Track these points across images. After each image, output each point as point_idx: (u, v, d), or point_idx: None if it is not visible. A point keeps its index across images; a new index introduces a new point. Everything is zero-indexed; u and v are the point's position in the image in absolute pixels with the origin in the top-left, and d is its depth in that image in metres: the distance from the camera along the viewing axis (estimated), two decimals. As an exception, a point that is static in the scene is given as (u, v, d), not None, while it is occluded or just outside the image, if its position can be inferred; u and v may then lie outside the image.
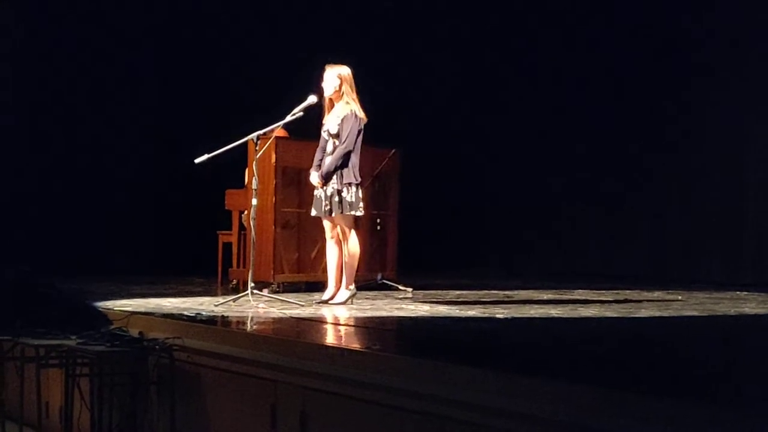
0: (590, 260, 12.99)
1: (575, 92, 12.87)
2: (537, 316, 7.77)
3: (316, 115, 8.31)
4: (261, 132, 8.19)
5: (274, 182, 9.29)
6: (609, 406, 4.27)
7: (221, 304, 7.97)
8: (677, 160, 12.24)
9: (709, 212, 12.00)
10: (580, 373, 5.02)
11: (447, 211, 13.59)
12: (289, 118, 8.18)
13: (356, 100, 8.22)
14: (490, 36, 13.60)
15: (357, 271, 8.44)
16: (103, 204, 12.44)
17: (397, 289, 9.70)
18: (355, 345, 6.21)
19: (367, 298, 8.83)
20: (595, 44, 12.70)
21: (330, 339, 6.65)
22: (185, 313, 7.45)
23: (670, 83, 12.15)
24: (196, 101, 12.71)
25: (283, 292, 9.12)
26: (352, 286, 8.30)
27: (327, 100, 8.25)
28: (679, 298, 9.50)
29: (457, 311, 7.98)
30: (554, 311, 8.01)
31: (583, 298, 9.34)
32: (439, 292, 9.81)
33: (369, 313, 7.73)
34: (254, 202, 8.20)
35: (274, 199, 9.31)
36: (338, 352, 5.66)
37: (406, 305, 8.44)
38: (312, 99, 8.16)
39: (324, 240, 8.55)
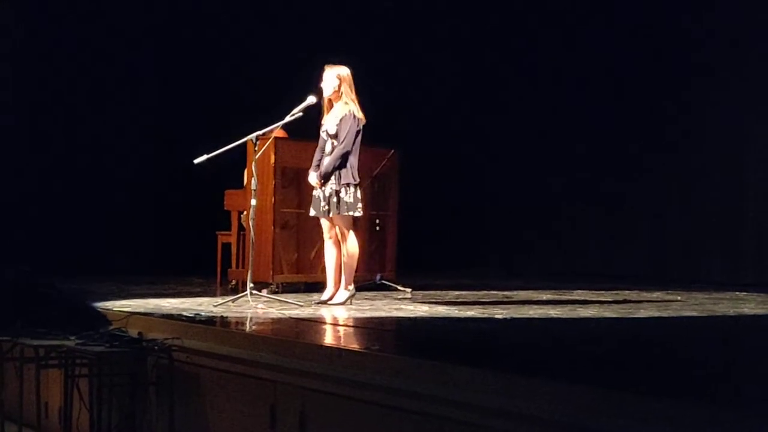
0: (590, 260, 12.98)
1: (575, 92, 12.86)
2: (536, 316, 7.76)
3: (315, 115, 8.31)
4: (260, 132, 8.21)
5: (273, 183, 9.29)
6: (608, 406, 4.27)
7: (220, 304, 7.97)
8: (677, 160, 12.23)
9: (709, 212, 11.99)
10: (579, 373, 5.02)
11: (447, 211, 13.58)
12: (288, 118, 8.18)
13: (355, 101, 8.21)
14: (490, 36, 13.59)
15: (356, 271, 8.43)
16: (103, 204, 12.44)
17: (396, 290, 9.68)
18: (354, 345, 6.20)
19: (366, 299, 8.82)
20: (595, 44, 12.69)
21: (329, 339, 6.64)
22: (184, 313, 7.45)
23: (670, 83, 12.14)
24: (196, 101, 12.72)
25: (282, 292, 9.12)
26: (351, 287, 8.29)
27: (326, 101, 8.24)
28: (678, 298, 9.49)
29: (456, 312, 7.97)
30: (553, 312, 8.00)
31: (583, 298, 9.33)
32: (439, 292, 9.79)
33: (368, 314, 7.72)
34: (253, 202, 8.20)
35: (273, 199, 9.30)
36: (337, 352, 5.65)
37: (405, 306, 8.43)
38: (311, 99, 8.15)
39: (323, 240, 8.54)
